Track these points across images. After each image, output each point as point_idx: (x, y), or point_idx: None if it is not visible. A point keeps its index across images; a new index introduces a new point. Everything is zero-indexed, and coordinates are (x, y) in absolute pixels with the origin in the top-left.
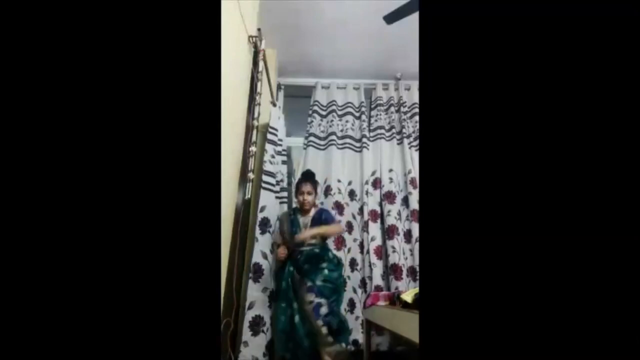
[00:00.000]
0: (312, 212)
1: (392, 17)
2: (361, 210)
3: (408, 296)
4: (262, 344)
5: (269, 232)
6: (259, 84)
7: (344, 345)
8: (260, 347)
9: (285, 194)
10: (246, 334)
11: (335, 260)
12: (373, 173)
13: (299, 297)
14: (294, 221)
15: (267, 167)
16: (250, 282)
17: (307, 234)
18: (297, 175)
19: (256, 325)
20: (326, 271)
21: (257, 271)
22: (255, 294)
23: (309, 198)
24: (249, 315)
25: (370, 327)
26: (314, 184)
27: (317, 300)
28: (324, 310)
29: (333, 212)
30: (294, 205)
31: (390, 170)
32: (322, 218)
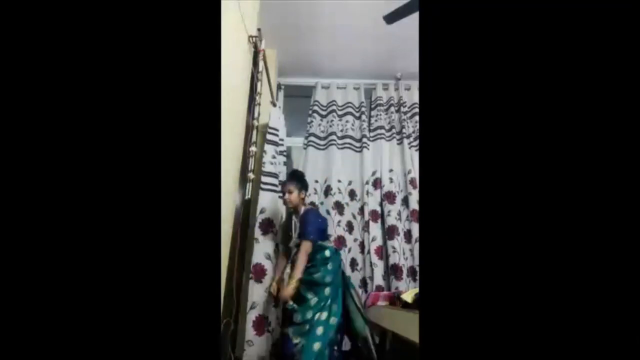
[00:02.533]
0: (302, 211)
1: (392, 17)
2: (361, 210)
3: (408, 296)
4: (269, 343)
5: (272, 232)
6: (259, 84)
7: None
8: (266, 346)
9: None
10: (249, 333)
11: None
12: (373, 173)
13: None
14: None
15: (268, 167)
16: (252, 282)
17: (285, 295)
18: None
19: (260, 325)
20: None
21: (259, 272)
22: (257, 295)
23: (288, 197)
24: (252, 315)
25: (370, 327)
26: (297, 182)
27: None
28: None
29: (313, 219)
30: None
31: (391, 171)
32: (302, 224)
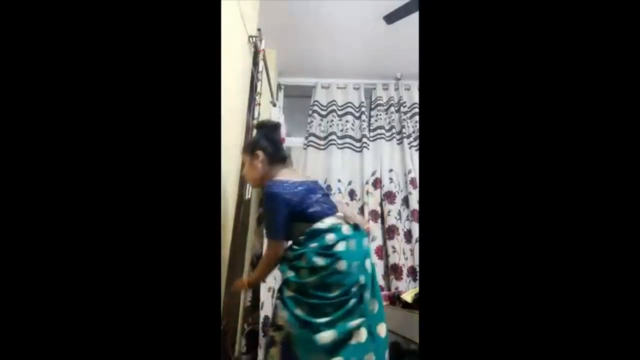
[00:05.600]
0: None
1: (392, 17)
2: (361, 210)
3: (408, 296)
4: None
5: None
6: (259, 84)
7: None
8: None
9: None
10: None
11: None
12: (373, 173)
13: None
14: None
15: None
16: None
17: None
18: None
19: (265, 326)
20: None
21: None
22: (263, 294)
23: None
24: (261, 316)
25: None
26: (255, 145)
27: None
28: None
29: (279, 190)
30: None
31: (391, 170)
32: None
